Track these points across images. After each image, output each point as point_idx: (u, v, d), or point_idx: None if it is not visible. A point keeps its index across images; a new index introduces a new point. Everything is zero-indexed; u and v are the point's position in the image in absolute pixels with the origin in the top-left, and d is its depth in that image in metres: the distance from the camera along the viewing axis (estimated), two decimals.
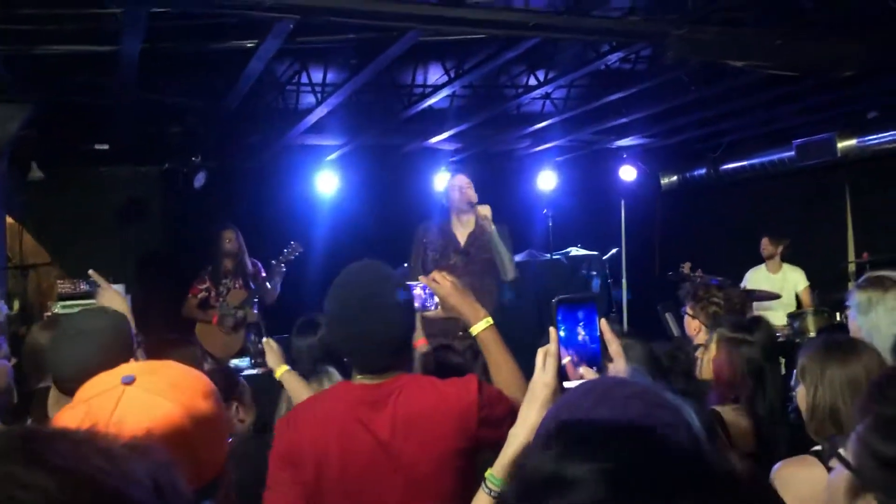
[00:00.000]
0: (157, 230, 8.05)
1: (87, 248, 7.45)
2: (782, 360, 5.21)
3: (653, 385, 1.07)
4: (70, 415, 1.13)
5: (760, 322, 2.94)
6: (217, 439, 1.18)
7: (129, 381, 1.12)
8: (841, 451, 1.18)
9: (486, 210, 4.86)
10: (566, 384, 1.28)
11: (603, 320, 1.32)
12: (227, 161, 7.79)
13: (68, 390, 1.91)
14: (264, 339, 2.82)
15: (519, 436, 1.33)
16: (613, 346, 1.31)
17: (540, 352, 1.30)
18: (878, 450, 1.09)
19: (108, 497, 0.63)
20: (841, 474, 1.15)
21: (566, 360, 1.30)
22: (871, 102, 7.20)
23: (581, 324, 1.29)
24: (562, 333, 1.30)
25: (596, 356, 1.30)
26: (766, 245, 7.05)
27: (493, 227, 4.87)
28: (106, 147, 7.00)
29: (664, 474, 0.70)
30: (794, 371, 2.47)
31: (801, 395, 2.19)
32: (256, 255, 6.67)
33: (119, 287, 2.79)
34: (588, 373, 1.28)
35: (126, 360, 2.16)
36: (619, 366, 1.30)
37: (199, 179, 7.46)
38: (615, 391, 1.03)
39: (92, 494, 0.62)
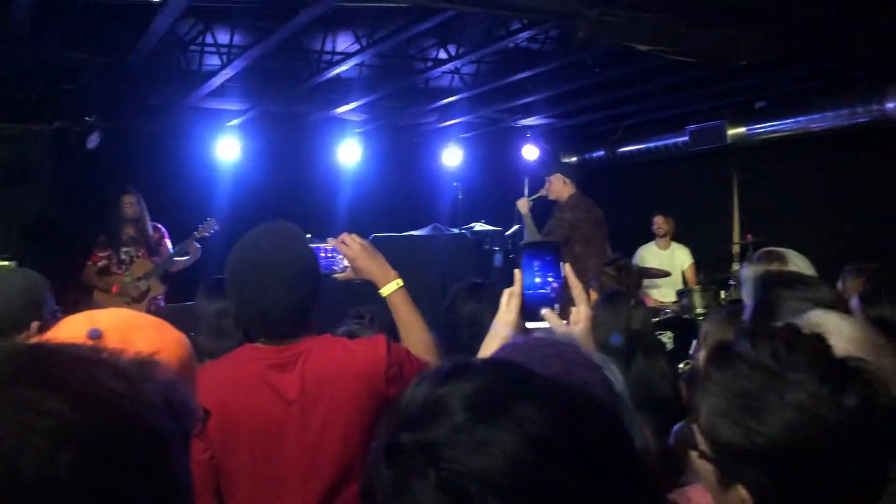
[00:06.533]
0: (45, 193, 7.63)
1: None
2: (671, 335, 5.51)
3: (575, 345, 1.11)
4: None
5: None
6: None
7: (95, 336, 1.09)
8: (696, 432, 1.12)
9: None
10: (528, 325, 1.33)
11: (567, 265, 1.35)
12: (124, 122, 7.44)
13: None
14: None
15: None
16: (576, 290, 1.34)
17: (505, 293, 1.34)
18: (727, 442, 1.06)
19: (125, 421, 0.61)
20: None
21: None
22: (760, 93, 7.58)
23: (544, 268, 1.34)
24: (537, 280, 1.34)
25: (557, 298, 1.34)
26: (661, 223, 7.56)
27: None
28: None
29: (513, 395, 0.74)
30: (694, 340, 2.60)
31: (703, 359, 2.30)
32: (154, 221, 6.46)
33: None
34: (549, 314, 1.32)
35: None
36: (581, 310, 1.33)
37: (93, 140, 7.12)
38: (537, 352, 1.06)
39: (110, 418, 0.59)
